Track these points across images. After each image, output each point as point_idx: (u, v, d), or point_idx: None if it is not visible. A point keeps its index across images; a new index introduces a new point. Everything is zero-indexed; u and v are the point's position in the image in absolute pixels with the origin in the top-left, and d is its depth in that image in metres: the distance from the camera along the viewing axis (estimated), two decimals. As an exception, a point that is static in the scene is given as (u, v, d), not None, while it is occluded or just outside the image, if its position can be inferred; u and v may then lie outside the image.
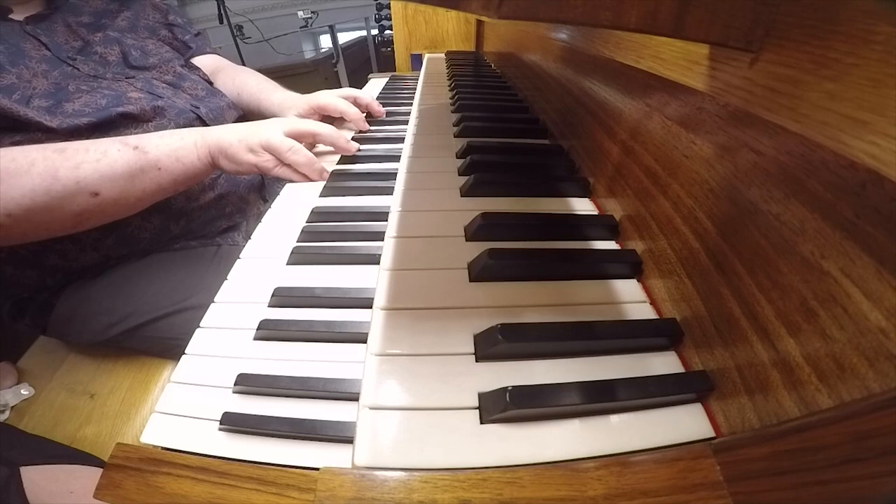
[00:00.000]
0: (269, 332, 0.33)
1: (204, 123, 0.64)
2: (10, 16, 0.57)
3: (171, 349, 0.54)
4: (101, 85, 0.58)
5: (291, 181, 0.55)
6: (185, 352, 0.32)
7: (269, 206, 0.50)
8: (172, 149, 0.50)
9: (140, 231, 0.58)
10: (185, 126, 0.58)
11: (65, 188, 0.44)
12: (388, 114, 0.80)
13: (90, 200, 0.46)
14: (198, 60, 0.80)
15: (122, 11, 0.69)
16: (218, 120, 0.67)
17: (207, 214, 0.63)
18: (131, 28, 0.69)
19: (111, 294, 0.56)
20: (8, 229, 0.44)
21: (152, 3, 0.76)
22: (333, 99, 0.73)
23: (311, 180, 0.55)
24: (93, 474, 0.45)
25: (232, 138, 0.52)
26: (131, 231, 0.57)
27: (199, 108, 0.65)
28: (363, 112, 0.75)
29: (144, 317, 0.54)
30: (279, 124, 0.55)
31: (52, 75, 0.55)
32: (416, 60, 1.39)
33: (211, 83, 0.76)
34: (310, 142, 0.60)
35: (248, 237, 0.46)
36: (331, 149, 0.62)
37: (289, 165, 0.54)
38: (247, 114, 0.80)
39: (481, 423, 0.24)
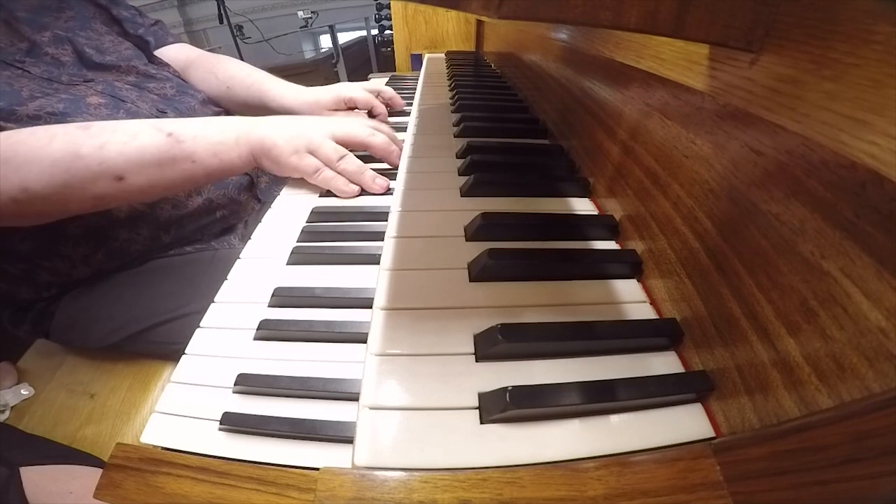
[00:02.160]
0: (269, 332, 0.33)
1: None
2: None
3: (173, 353, 0.53)
4: (58, 90, 0.52)
5: (329, 190, 0.50)
6: (185, 352, 0.32)
7: (265, 207, 0.49)
8: (211, 143, 0.47)
9: (130, 244, 0.55)
10: None
11: (87, 167, 0.41)
12: (389, 114, 0.80)
13: (113, 184, 0.43)
14: (164, 53, 0.73)
15: (64, 10, 0.62)
16: None
17: (198, 221, 0.60)
18: (82, 26, 0.62)
19: (109, 301, 0.55)
20: (24, 206, 0.41)
21: (93, 1, 0.68)
22: (363, 92, 0.71)
23: (349, 195, 0.50)
24: (93, 474, 0.45)
25: (277, 138, 0.48)
26: (120, 244, 0.55)
27: (166, 111, 0.61)
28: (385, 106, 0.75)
29: (144, 323, 0.53)
30: (328, 126, 0.51)
31: (1, 75, 0.50)
32: (416, 60, 1.40)
33: (182, 78, 0.71)
34: (358, 152, 0.54)
35: (244, 239, 0.45)
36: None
37: (339, 173, 0.50)
38: (244, 109, 0.76)
39: (481, 423, 0.24)
